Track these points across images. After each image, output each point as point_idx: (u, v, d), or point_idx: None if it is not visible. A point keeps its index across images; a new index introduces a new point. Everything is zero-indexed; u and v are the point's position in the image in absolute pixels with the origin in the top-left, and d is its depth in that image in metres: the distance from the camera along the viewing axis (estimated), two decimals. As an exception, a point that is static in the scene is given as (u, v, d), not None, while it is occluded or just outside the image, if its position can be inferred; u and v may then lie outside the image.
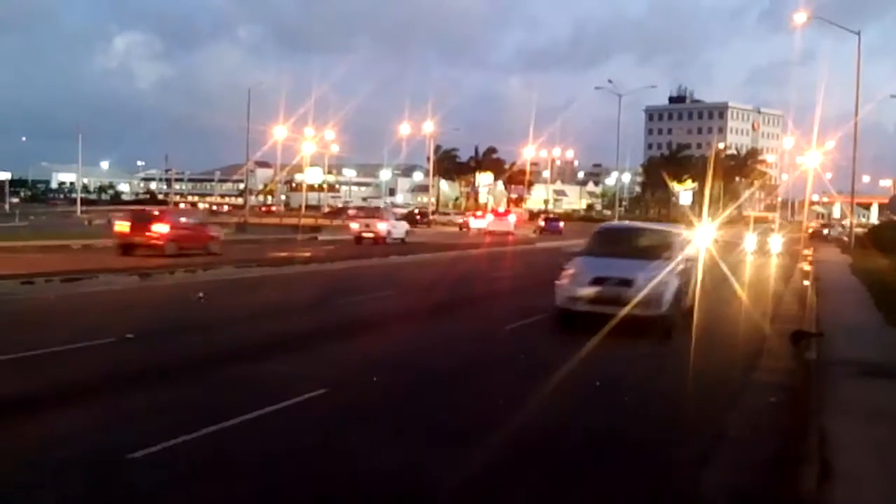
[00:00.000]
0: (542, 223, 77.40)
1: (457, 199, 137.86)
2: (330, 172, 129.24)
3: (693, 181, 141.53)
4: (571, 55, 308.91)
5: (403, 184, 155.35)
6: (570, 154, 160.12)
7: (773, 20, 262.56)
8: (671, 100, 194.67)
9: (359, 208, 73.46)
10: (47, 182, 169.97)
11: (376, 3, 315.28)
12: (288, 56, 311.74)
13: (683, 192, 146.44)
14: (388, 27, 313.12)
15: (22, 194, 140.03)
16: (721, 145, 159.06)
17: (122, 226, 32.99)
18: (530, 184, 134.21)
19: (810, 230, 79.43)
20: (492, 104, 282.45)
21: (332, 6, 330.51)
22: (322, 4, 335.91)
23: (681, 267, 15.91)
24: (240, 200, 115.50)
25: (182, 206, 71.41)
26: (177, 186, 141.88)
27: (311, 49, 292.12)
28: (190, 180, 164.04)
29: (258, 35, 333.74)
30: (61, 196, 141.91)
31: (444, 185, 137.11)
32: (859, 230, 59.52)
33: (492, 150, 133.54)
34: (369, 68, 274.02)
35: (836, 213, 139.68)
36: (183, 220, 34.62)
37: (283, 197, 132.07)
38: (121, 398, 9.72)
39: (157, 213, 35.51)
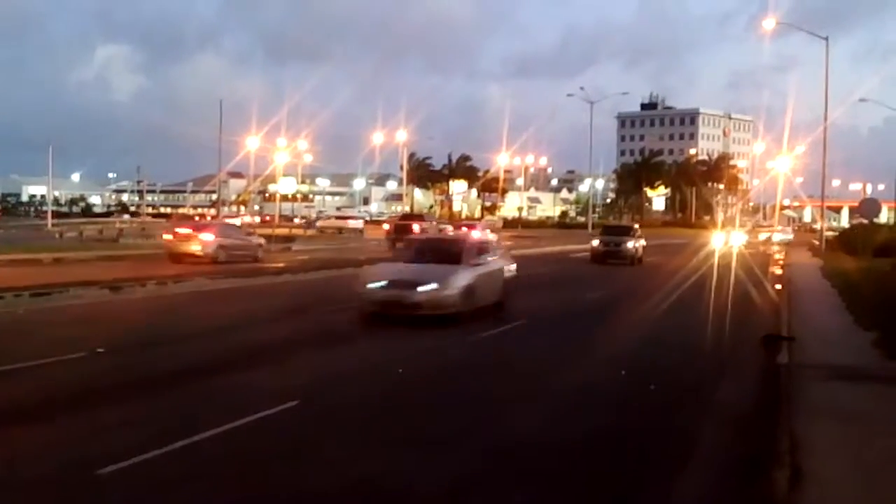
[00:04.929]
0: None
1: (431, 207, 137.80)
2: (304, 182, 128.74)
3: (666, 187, 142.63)
4: (557, 62, 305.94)
5: (377, 192, 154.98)
6: (543, 161, 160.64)
7: (759, 27, 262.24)
8: (643, 106, 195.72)
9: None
10: (17, 195, 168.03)
11: (357, 14, 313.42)
12: (266, 66, 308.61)
13: (657, 197, 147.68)
14: (369, 37, 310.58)
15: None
16: (692, 151, 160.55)
17: (388, 230, 53.32)
18: (504, 191, 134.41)
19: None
20: (472, 112, 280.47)
21: (311, 16, 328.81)
22: (300, 14, 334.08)
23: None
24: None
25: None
26: (149, 198, 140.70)
27: (288, 59, 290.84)
28: (162, 192, 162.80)
29: (236, 45, 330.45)
30: (32, 209, 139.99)
31: (419, 193, 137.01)
32: (829, 233, 60.11)
33: (465, 158, 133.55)
34: (347, 78, 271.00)
35: (807, 217, 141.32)
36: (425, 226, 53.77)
37: (256, 207, 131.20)
38: (95, 412, 9.58)
39: (415, 224, 53.38)
